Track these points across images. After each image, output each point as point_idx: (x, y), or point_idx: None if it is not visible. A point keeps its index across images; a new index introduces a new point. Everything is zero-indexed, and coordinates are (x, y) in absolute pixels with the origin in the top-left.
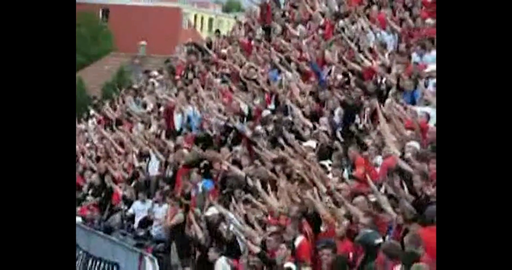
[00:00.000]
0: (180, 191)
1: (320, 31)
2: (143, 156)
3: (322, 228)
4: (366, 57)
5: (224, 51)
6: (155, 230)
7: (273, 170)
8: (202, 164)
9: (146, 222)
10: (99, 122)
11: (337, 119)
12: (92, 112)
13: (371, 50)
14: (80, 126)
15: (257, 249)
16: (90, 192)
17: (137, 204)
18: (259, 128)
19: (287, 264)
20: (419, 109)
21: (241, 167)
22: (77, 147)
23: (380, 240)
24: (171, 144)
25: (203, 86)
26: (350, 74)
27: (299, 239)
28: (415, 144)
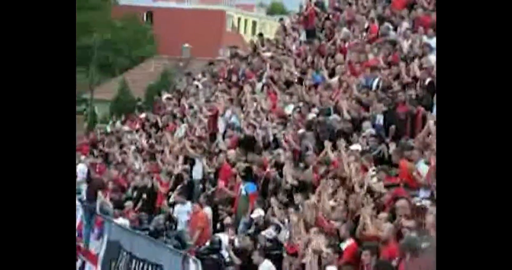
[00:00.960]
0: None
1: (364, 34)
2: (187, 159)
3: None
4: (410, 61)
5: (267, 54)
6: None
7: (317, 173)
8: (244, 167)
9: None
10: (143, 125)
11: (379, 123)
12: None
13: (415, 53)
14: (125, 128)
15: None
16: (134, 194)
17: (177, 207)
18: (303, 131)
19: (330, 268)
20: None
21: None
22: (116, 149)
23: (426, 244)
24: (214, 147)
25: (246, 89)
26: (394, 78)
27: (348, 242)
28: None
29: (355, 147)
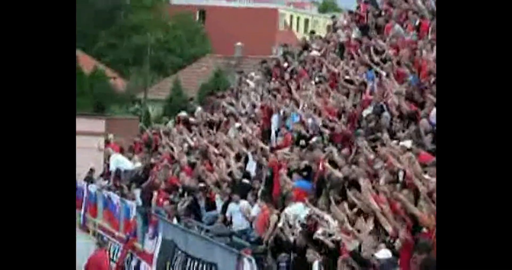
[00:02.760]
0: (278, 191)
1: (416, 31)
2: (240, 157)
3: (424, 229)
4: None
5: (317, 53)
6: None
7: (369, 171)
8: (302, 165)
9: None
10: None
11: (433, 120)
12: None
13: None
14: (176, 128)
15: (351, 247)
16: (186, 194)
17: (232, 206)
18: (360, 131)
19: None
20: None
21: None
22: (171, 148)
23: None
24: (268, 145)
25: (299, 87)
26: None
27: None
28: None
29: (404, 143)
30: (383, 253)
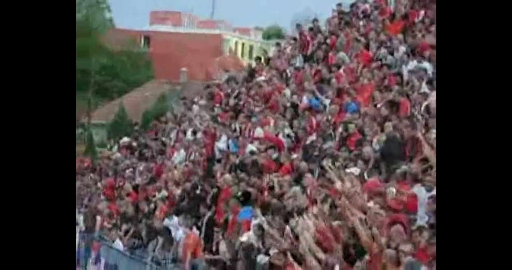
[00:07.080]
0: (221, 217)
1: (360, 59)
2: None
3: (366, 256)
4: (406, 85)
5: (262, 78)
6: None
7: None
8: (242, 191)
9: None
10: (139, 151)
11: (377, 147)
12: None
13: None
14: (118, 154)
15: None
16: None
17: (182, 229)
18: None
19: None
20: None
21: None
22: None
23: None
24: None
25: (240, 111)
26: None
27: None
28: None
29: (352, 170)
30: None
